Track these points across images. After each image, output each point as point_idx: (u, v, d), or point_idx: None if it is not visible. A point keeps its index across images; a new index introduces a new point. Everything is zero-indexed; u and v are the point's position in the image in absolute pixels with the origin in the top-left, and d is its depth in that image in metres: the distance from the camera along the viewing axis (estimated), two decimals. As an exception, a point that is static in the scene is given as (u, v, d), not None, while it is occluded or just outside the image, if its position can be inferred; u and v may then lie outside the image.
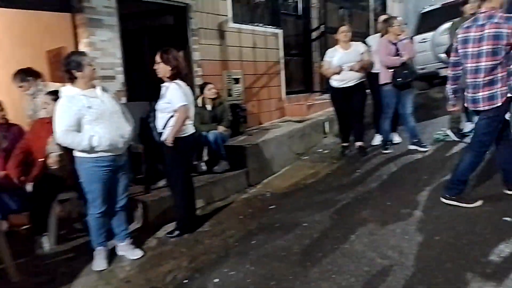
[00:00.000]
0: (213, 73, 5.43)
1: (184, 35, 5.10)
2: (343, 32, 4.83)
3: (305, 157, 5.49)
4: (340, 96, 4.97)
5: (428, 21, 7.74)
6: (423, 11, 8.15)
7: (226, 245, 3.33)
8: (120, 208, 3.26)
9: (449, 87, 3.28)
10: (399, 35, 4.69)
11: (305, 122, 5.87)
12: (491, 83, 2.95)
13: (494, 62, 2.89)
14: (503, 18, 2.85)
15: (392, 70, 4.62)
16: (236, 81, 5.74)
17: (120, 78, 4.33)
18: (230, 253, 3.16)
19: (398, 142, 5.18)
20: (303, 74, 7.40)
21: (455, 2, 7.47)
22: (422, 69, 7.74)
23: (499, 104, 2.95)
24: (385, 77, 4.70)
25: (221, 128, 4.71)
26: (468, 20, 3.10)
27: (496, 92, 2.95)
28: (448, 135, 4.91)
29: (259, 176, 4.89)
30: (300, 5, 7.29)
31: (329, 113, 6.11)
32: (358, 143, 5.08)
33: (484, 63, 2.92)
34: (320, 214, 3.56)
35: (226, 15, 5.61)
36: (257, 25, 6.10)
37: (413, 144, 4.80)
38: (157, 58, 3.36)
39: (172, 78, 3.37)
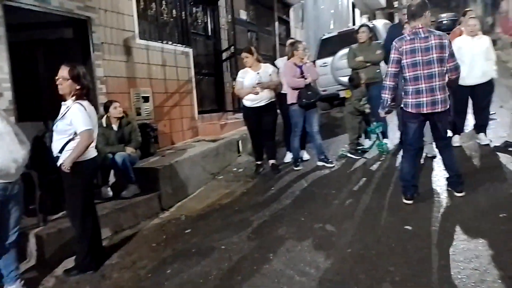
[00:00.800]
0: (120, 90, 5.11)
1: (85, 50, 4.71)
2: (243, 58, 5.00)
3: (220, 177, 5.43)
4: (252, 115, 5.06)
5: (327, 47, 8.42)
6: (323, 38, 8.85)
7: (138, 277, 3.06)
8: (10, 245, 2.80)
9: (387, 96, 3.51)
10: (303, 58, 4.98)
11: (218, 141, 5.82)
12: (444, 87, 3.35)
13: (443, 69, 3.31)
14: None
15: (298, 91, 4.86)
16: (145, 99, 5.47)
17: (8, 95, 3.79)
18: (142, 286, 2.90)
19: (307, 159, 5.44)
20: (215, 94, 7.40)
21: (349, 30, 8.29)
22: (324, 91, 8.35)
23: (448, 107, 3.38)
24: (292, 97, 4.93)
25: (129, 149, 4.41)
26: (408, 34, 3.41)
27: (446, 95, 3.35)
28: (347, 151, 5.30)
29: (172, 199, 4.67)
30: (209, 26, 7.34)
31: (243, 132, 6.18)
32: (271, 161, 5.20)
33: (437, 69, 3.29)
34: (237, 235, 3.50)
35: (133, 31, 5.35)
36: (166, 43, 5.95)
37: (321, 160, 5.08)
38: (64, 73, 3.01)
39: (77, 97, 3.05)
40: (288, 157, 5.49)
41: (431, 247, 2.81)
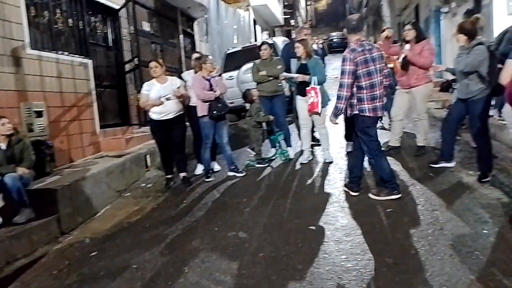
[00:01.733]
0: (7, 105, 4.59)
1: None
2: (151, 68, 4.92)
3: (128, 194, 5.20)
4: (160, 128, 4.98)
5: (232, 61, 8.72)
6: (228, 52, 9.13)
7: (39, 309, 2.78)
8: None
9: (342, 105, 3.69)
10: (212, 71, 5.10)
11: (124, 156, 5.57)
12: (383, 94, 3.76)
13: (382, 77, 3.71)
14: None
15: (208, 103, 4.95)
16: (39, 114, 5.00)
17: None
18: (45, 318, 2.65)
19: (218, 170, 5.53)
20: (118, 107, 7.07)
21: (252, 46, 8.70)
22: (231, 103, 8.59)
23: None
24: (202, 110, 5.00)
25: (21, 170, 3.98)
26: (356, 46, 3.62)
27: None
28: (255, 161, 5.53)
29: (74, 221, 4.33)
30: (110, 37, 7.03)
31: (150, 146, 6.01)
32: (182, 174, 5.16)
33: (380, 78, 3.69)
34: (149, 252, 3.41)
35: (22, 40, 4.88)
36: (61, 53, 5.53)
37: (231, 170, 5.21)
38: None
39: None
40: (199, 169, 5.52)
41: (331, 243, 3.10)
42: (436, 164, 4.54)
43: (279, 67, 5.60)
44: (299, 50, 5.01)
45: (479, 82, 3.93)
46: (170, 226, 3.90)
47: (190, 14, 10.32)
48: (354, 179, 4.03)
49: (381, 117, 3.90)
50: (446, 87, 9.04)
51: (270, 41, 8.80)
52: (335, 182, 4.50)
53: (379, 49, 3.83)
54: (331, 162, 5.20)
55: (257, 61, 5.76)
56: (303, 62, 5.06)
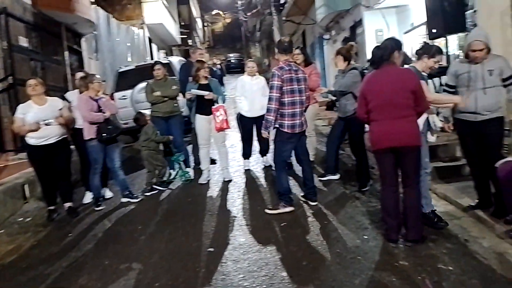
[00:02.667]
0: None
1: None
2: (30, 85, 4.42)
3: (1, 231, 4.49)
4: (40, 155, 4.44)
5: (125, 80, 8.31)
6: (120, 70, 8.69)
7: None
8: None
9: (272, 118, 3.83)
10: (99, 91, 4.79)
11: (-5, 188, 4.83)
12: (303, 113, 4.00)
13: (304, 97, 3.96)
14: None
15: (96, 125, 4.61)
16: None
17: None
18: None
19: (110, 196, 5.14)
20: (-12, 131, 6.15)
21: (148, 64, 8.44)
22: (125, 123, 8.15)
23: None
24: (89, 132, 4.63)
25: None
26: (283, 64, 3.86)
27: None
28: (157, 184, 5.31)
29: None
30: (-24, 52, 6.15)
31: (29, 174, 5.32)
32: (67, 204, 4.67)
33: (303, 97, 3.94)
34: (26, 297, 2.97)
35: None
36: None
37: (125, 196, 4.90)
38: None
39: None
40: (88, 197, 5.06)
41: (229, 264, 3.11)
42: (323, 177, 4.92)
43: (174, 87, 5.53)
44: (203, 71, 5.03)
45: (355, 102, 4.40)
46: (52, 265, 3.46)
47: (76, 29, 9.63)
48: (285, 193, 4.11)
49: (302, 133, 4.12)
50: (331, 106, 9.95)
51: (165, 61, 8.69)
52: (234, 201, 4.56)
53: (304, 72, 4.11)
54: (230, 181, 5.26)
55: (151, 81, 5.60)
56: (203, 82, 5.07)
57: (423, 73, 3.39)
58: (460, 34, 5.55)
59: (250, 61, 5.96)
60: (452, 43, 5.96)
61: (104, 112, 4.66)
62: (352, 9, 9.55)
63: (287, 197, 4.04)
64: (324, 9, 9.85)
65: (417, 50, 3.52)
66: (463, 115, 3.38)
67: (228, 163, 5.40)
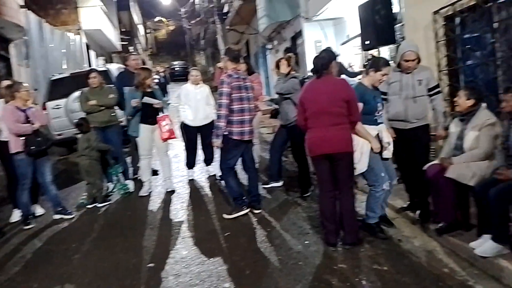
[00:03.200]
0: None
1: None
2: None
3: None
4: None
5: (59, 88, 7.82)
6: (52, 78, 8.17)
7: None
8: None
9: (222, 124, 3.84)
10: (28, 100, 4.45)
11: None
12: (252, 120, 4.03)
13: (252, 105, 4.03)
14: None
15: (24, 138, 4.27)
16: None
17: None
18: None
19: (41, 214, 4.77)
20: None
21: (83, 72, 8.03)
22: (60, 134, 7.67)
23: None
24: (16, 145, 4.27)
25: None
26: (231, 72, 3.89)
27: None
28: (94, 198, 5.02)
29: None
30: None
31: None
32: (-10, 224, 4.26)
33: (251, 105, 4.02)
34: None
35: None
36: None
37: (58, 213, 4.58)
38: None
39: None
40: (16, 215, 4.65)
41: (170, 279, 3.00)
42: (267, 184, 4.97)
43: (111, 95, 5.30)
44: (149, 80, 4.87)
45: (295, 110, 4.52)
46: (-29, 293, 3.13)
47: (4, 35, 8.91)
48: (237, 196, 4.09)
49: (250, 140, 4.16)
50: (275, 114, 10.13)
51: (103, 68, 8.34)
52: (177, 213, 4.44)
53: (250, 80, 4.16)
54: (173, 192, 5.12)
55: (86, 89, 5.33)
56: (148, 91, 4.91)
57: (369, 88, 3.34)
58: (391, 46, 5.93)
59: (194, 69, 5.87)
60: (384, 54, 6.35)
61: (32, 123, 4.33)
62: (293, 20, 9.85)
63: (240, 199, 4.09)
64: (266, 19, 10.06)
65: (363, 65, 3.61)
66: (393, 123, 3.59)
67: (171, 174, 5.27)
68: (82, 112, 5.38)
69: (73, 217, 4.59)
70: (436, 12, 4.02)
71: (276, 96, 4.90)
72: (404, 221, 3.70)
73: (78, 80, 7.22)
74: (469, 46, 3.98)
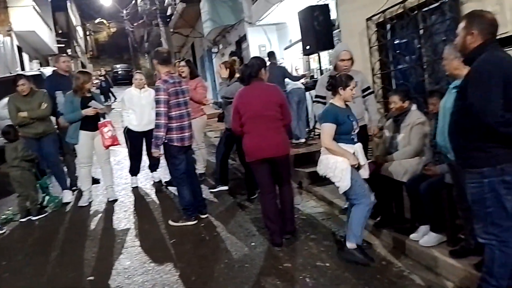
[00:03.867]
0: None
1: None
2: None
3: None
4: None
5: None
6: (-22, 83, 7.48)
7: None
8: None
9: (161, 134, 3.68)
10: None
11: None
12: (191, 125, 3.92)
13: (190, 109, 3.90)
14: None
15: None
16: None
17: None
18: None
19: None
20: None
21: (10, 77, 7.46)
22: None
23: None
24: None
25: None
26: (166, 77, 3.73)
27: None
28: (16, 213, 4.65)
29: None
30: None
31: None
32: None
33: (189, 109, 3.92)
34: None
35: None
36: None
37: (-14, 229, 4.21)
38: None
39: None
40: None
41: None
42: (214, 188, 4.94)
43: (45, 105, 4.87)
44: (88, 84, 4.63)
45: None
46: None
47: None
48: (187, 207, 3.97)
49: (190, 146, 4.06)
50: (222, 117, 10.13)
51: (36, 72, 7.82)
52: (119, 222, 4.27)
53: (186, 83, 4.04)
54: (115, 201, 4.91)
55: (14, 95, 4.90)
56: (88, 95, 4.67)
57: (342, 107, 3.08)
58: (330, 51, 6.19)
59: (138, 72, 5.64)
60: (324, 59, 6.61)
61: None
62: (237, 25, 9.93)
63: (189, 210, 3.99)
64: (210, 23, 10.04)
65: (327, 87, 3.20)
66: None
67: (112, 182, 5.05)
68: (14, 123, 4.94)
69: (4, 233, 4.24)
70: (369, 19, 4.26)
71: (220, 100, 4.90)
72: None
73: (6, 86, 6.70)
74: (399, 51, 4.26)
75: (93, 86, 5.22)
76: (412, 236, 3.09)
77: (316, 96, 3.81)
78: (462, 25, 2.10)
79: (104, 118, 4.72)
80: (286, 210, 3.44)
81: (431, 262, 2.84)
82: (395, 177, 3.26)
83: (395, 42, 4.30)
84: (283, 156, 3.29)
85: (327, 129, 2.97)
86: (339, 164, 2.92)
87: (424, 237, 2.98)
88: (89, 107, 4.61)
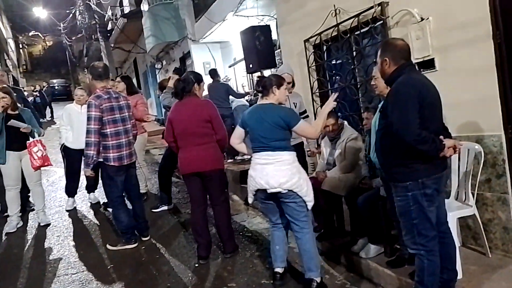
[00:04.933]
0: None
1: None
2: None
3: None
4: None
5: None
6: None
7: None
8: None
9: (92, 152, 3.49)
10: None
11: None
12: (131, 142, 3.75)
13: (129, 125, 3.73)
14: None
15: None
16: None
17: None
18: None
19: None
20: None
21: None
22: None
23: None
24: None
25: None
26: (100, 92, 3.56)
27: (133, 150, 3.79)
28: None
29: None
30: None
31: None
32: None
33: (128, 125, 3.71)
34: None
35: None
36: None
37: None
38: None
39: None
40: None
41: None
42: (157, 208, 4.78)
43: None
44: (5, 100, 4.24)
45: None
46: None
47: None
48: (125, 231, 3.80)
49: (131, 164, 3.82)
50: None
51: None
52: (52, 248, 3.97)
53: (127, 98, 3.87)
54: (48, 225, 4.56)
55: None
56: (12, 112, 4.34)
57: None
58: (272, 70, 6.35)
59: (79, 89, 5.37)
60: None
61: None
62: (180, 41, 9.88)
63: (129, 233, 3.81)
64: (153, 39, 9.90)
65: (256, 89, 2.98)
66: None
67: (44, 205, 4.69)
68: None
69: None
70: (306, 41, 4.44)
71: (163, 117, 4.80)
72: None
73: None
74: (334, 71, 4.48)
75: (20, 104, 4.87)
76: (353, 248, 3.20)
77: None
78: (378, 53, 2.29)
79: (33, 137, 4.41)
80: (221, 232, 3.44)
81: (371, 274, 2.94)
82: (335, 191, 3.38)
83: (332, 63, 4.52)
84: (212, 171, 3.29)
85: (307, 126, 2.80)
86: (308, 182, 2.77)
87: (364, 249, 3.10)
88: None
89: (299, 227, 2.76)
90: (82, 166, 4.96)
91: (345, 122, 3.57)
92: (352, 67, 4.11)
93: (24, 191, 4.68)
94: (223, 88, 6.54)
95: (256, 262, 3.32)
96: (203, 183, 3.33)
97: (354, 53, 4.02)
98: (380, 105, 2.55)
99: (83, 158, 4.85)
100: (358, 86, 4.09)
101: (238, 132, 2.95)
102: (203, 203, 3.39)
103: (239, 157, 6.36)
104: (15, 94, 5.17)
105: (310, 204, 2.75)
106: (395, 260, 2.87)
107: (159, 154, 8.35)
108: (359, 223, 3.22)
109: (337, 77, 4.49)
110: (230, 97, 6.59)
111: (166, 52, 11.29)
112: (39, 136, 4.52)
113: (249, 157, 6.18)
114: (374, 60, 3.70)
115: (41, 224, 4.57)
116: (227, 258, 3.39)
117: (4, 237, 4.33)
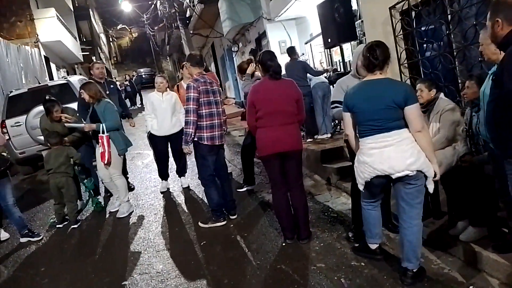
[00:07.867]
0: None
1: None
2: None
3: None
4: None
5: (18, 104, 7.49)
6: (10, 95, 7.79)
7: None
8: None
9: (190, 131, 3.72)
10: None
11: None
12: (222, 124, 3.96)
13: (221, 109, 3.97)
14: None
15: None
16: None
17: None
18: None
19: (6, 238, 4.52)
20: None
21: (41, 87, 7.73)
22: (22, 153, 7.36)
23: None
24: (-28, 169, 4.03)
25: None
26: (197, 77, 3.80)
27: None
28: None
29: None
30: None
31: None
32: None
33: (220, 109, 3.93)
34: None
35: None
36: None
37: (24, 236, 4.34)
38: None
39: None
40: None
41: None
42: (241, 188, 4.92)
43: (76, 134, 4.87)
44: (84, 95, 4.54)
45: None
46: None
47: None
48: (216, 208, 3.98)
49: (221, 145, 4.03)
50: (245, 116, 10.12)
51: (63, 81, 8.03)
52: (150, 225, 4.32)
53: (218, 84, 4.09)
54: (131, 213, 4.73)
55: (44, 116, 4.89)
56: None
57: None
58: (353, 42, 6.02)
59: (159, 76, 5.54)
60: (346, 51, 6.45)
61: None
62: (256, 22, 9.87)
63: (218, 211, 3.99)
64: (229, 22, 10.02)
65: (367, 65, 2.53)
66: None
67: (126, 196, 4.75)
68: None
69: (41, 239, 4.37)
70: (392, 7, 4.10)
71: (243, 99, 4.85)
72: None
73: (38, 95, 6.95)
74: (425, 39, 4.09)
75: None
76: (450, 231, 2.96)
77: (333, 102, 3.27)
78: (488, 14, 1.99)
79: (102, 132, 4.46)
80: (299, 215, 3.36)
81: (474, 259, 2.70)
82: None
83: (422, 30, 4.13)
84: (295, 151, 3.28)
85: (420, 113, 2.45)
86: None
87: (464, 232, 2.85)
88: (95, 119, 4.53)
89: (408, 216, 2.50)
90: (169, 150, 5.30)
91: (441, 94, 3.24)
92: (447, 32, 3.70)
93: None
94: (300, 65, 6.38)
95: (344, 244, 3.25)
96: (282, 165, 3.30)
97: (449, 16, 3.60)
98: (490, 72, 2.25)
99: (168, 143, 5.23)
100: (455, 53, 3.68)
101: (348, 119, 2.58)
102: (285, 186, 3.35)
103: (319, 136, 6.23)
104: (111, 86, 5.61)
105: (431, 187, 2.47)
106: (503, 245, 2.59)
107: (240, 136, 8.54)
108: (459, 204, 2.95)
109: (429, 44, 4.09)
110: (308, 75, 6.42)
111: (242, 34, 11.38)
112: (111, 130, 4.50)
113: (329, 136, 6.11)
114: (474, 22, 3.30)
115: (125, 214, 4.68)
116: (308, 242, 3.33)
117: (110, 217, 4.79)
